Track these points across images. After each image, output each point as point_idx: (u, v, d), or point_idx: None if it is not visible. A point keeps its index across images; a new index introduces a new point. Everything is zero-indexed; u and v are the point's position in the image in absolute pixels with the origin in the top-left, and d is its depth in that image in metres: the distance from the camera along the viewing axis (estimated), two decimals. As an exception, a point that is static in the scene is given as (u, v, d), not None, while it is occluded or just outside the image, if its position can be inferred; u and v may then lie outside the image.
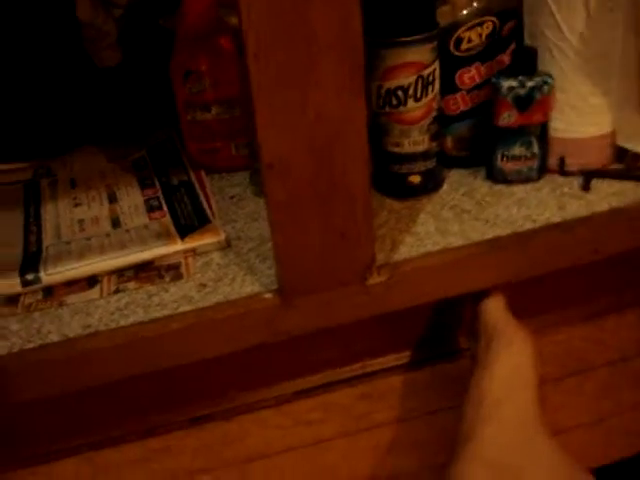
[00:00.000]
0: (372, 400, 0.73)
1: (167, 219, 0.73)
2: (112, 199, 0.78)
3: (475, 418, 0.61)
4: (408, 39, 0.65)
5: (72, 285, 0.66)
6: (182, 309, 0.62)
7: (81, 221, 0.75)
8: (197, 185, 0.78)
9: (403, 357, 0.75)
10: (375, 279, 0.62)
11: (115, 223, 0.74)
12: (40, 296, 0.66)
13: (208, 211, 0.73)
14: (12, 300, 0.66)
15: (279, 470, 0.71)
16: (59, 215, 0.77)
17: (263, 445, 0.71)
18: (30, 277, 0.66)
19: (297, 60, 0.51)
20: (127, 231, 0.72)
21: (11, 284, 0.65)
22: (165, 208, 0.75)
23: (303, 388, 0.72)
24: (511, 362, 0.63)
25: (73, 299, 0.65)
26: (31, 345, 0.60)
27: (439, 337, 0.76)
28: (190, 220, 0.72)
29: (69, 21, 0.88)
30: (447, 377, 0.75)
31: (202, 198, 0.76)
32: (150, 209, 0.75)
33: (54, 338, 0.61)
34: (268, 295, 0.62)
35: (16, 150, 0.88)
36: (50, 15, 0.86)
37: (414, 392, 0.75)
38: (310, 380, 0.72)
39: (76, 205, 0.78)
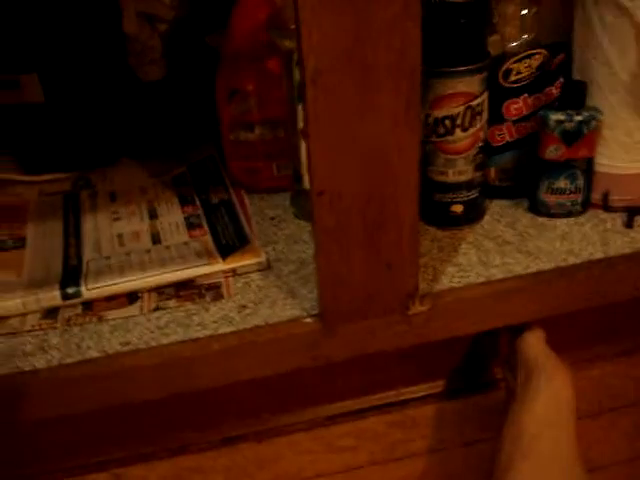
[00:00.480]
0: (405, 429, 0.72)
1: (207, 238, 0.73)
2: (152, 215, 0.78)
3: (513, 452, 0.60)
4: (459, 69, 0.65)
5: (112, 301, 0.66)
6: (222, 330, 0.62)
7: (120, 235, 0.75)
8: (237, 204, 0.78)
9: (437, 386, 0.75)
10: (417, 309, 0.62)
11: (155, 239, 0.74)
12: (80, 310, 0.66)
13: (248, 231, 0.73)
14: (52, 313, 0.66)
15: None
16: (99, 229, 0.77)
17: (295, 469, 0.71)
18: (71, 291, 0.66)
19: (354, 89, 0.51)
20: (167, 248, 0.72)
21: (52, 297, 0.66)
22: (205, 226, 0.75)
23: (336, 413, 0.71)
24: (551, 398, 0.62)
25: (113, 315, 0.65)
26: (70, 360, 0.61)
27: (474, 367, 0.75)
28: (231, 240, 0.72)
29: (115, 35, 0.88)
30: (482, 408, 0.75)
31: (242, 218, 0.76)
32: (190, 227, 0.75)
33: (93, 354, 0.61)
34: (309, 320, 0.62)
35: (56, 160, 0.89)
36: (97, 28, 0.86)
37: (448, 422, 0.74)
38: (343, 405, 0.72)
39: (116, 219, 0.78)
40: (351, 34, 0.48)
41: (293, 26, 0.70)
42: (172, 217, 0.78)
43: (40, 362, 0.60)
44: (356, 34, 0.49)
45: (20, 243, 0.75)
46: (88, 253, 0.72)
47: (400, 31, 0.49)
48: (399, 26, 0.48)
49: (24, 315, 0.65)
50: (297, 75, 0.69)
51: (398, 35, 0.49)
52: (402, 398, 0.73)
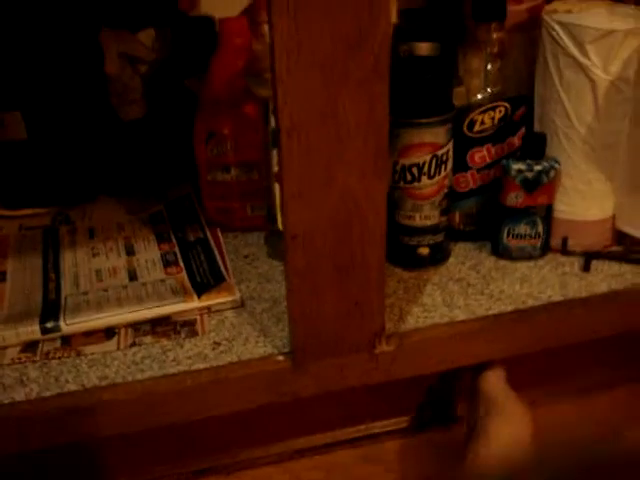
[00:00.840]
0: (372, 462, 0.75)
1: (183, 275, 0.75)
2: (129, 251, 0.81)
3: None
4: (425, 121, 0.69)
5: (90, 336, 0.69)
6: (196, 366, 0.64)
7: (99, 271, 0.78)
8: (213, 242, 0.81)
9: (403, 421, 0.77)
10: (383, 348, 0.65)
11: (132, 276, 0.76)
12: (58, 344, 0.68)
13: (223, 269, 0.76)
14: (31, 346, 0.68)
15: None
16: (77, 264, 0.79)
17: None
18: (50, 325, 0.68)
19: (327, 141, 0.54)
20: (144, 285, 0.74)
21: (31, 331, 0.68)
22: (181, 264, 0.78)
23: (305, 447, 0.74)
24: (510, 435, 0.65)
25: (91, 349, 0.67)
26: (49, 393, 0.62)
27: (438, 404, 0.78)
28: (206, 277, 0.74)
29: (97, 75, 0.91)
30: (444, 443, 0.77)
31: (217, 256, 0.78)
32: (166, 264, 0.78)
33: (72, 387, 0.63)
34: (280, 357, 0.65)
35: (36, 196, 0.91)
36: (79, 68, 0.89)
37: (412, 456, 0.77)
38: (313, 439, 0.74)
39: (94, 255, 0.81)
40: (324, 93, 0.52)
41: (269, 75, 0.74)
42: (149, 254, 0.80)
43: (19, 395, 0.62)
44: (328, 93, 0.52)
45: (1, 277, 0.77)
46: (67, 288, 0.74)
47: (369, 91, 0.52)
48: (368, 86, 0.52)
49: (4, 348, 0.67)
50: (272, 122, 0.73)
51: (367, 94, 0.52)
52: (370, 432, 0.76)
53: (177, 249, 0.81)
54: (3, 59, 0.83)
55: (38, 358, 0.66)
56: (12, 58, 0.83)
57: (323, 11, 0.50)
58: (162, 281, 0.75)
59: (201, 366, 0.64)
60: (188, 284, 0.73)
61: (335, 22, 0.50)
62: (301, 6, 0.49)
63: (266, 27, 0.80)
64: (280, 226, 0.76)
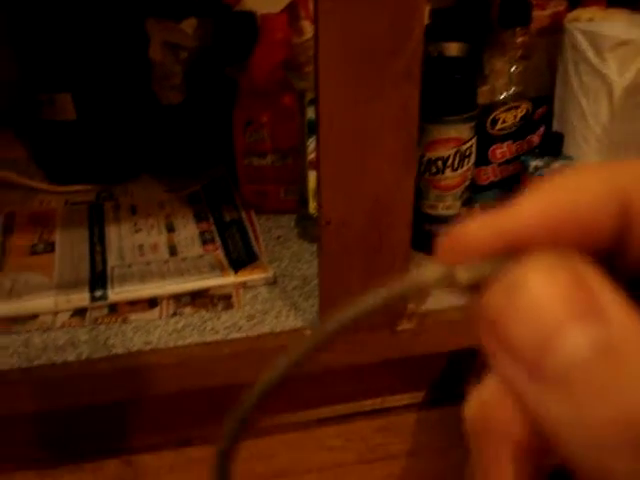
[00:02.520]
0: (388, 433, 0.81)
1: (220, 252, 0.81)
2: (170, 228, 0.87)
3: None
4: (451, 118, 0.74)
5: (134, 305, 0.75)
6: (232, 336, 0.70)
7: (141, 246, 0.84)
8: (247, 223, 0.87)
9: (418, 396, 0.83)
10: (405, 325, 0.71)
11: (172, 251, 0.82)
12: (106, 311, 0.74)
13: (257, 248, 0.82)
14: (80, 313, 0.74)
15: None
16: (121, 238, 0.85)
17: (288, 464, 0.79)
18: (98, 294, 0.74)
19: (362, 133, 0.60)
20: (183, 260, 0.80)
21: (81, 298, 0.74)
22: (218, 242, 0.83)
23: (328, 416, 0.79)
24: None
25: (135, 317, 0.73)
26: (98, 355, 0.69)
27: (452, 380, 0.84)
28: (241, 255, 0.80)
29: (141, 61, 0.97)
30: (457, 418, 0.83)
31: (252, 236, 0.84)
32: (204, 241, 0.84)
33: (118, 351, 0.69)
34: (309, 331, 0.70)
35: (82, 173, 0.97)
36: (125, 54, 0.95)
37: (426, 429, 0.82)
38: (335, 409, 0.80)
39: (137, 231, 0.87)
40: (361, 90, 0.57)
41: (307, 69, 0.79)
42: (188, 232, 0.86)
43: (71, 356, 0.68)
44: (365, 90, 0.57)
45: (50, 248, 0.83)
46: (112, 260, 0.81)
47: (402, 91, 0.58)
48: (401, 87, 0.57)
49: (55, 313, 0.74)
50: (309, 112, 0.78)
51: (400, 94, 0.58)
52: (386, 405, 0.81)
53: (214, 228, 0.86)
54: (57, 44, 0.89)
55: (87, 323, 0.73)
56: (65, 44, 0.89)
57: (364, 18, 0.55)
58: (200, 257, 0.80)
59: (237, 336, 0.70)
60: (225, 261, 0.79)
61: (374, 30, 0.55)
62: (344, 14, 0.54)
63: (305, 23, 0.86)
64: (311, 210, 0.82)
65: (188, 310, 0.74)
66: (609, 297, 0.16)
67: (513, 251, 0.17)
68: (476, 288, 0.18)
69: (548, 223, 0.18)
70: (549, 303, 0.16)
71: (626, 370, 0.15)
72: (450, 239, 0.19)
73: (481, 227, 0.19)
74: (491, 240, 0.18)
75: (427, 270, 0.19)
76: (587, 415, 0.16)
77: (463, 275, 0.18)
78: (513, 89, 0.79)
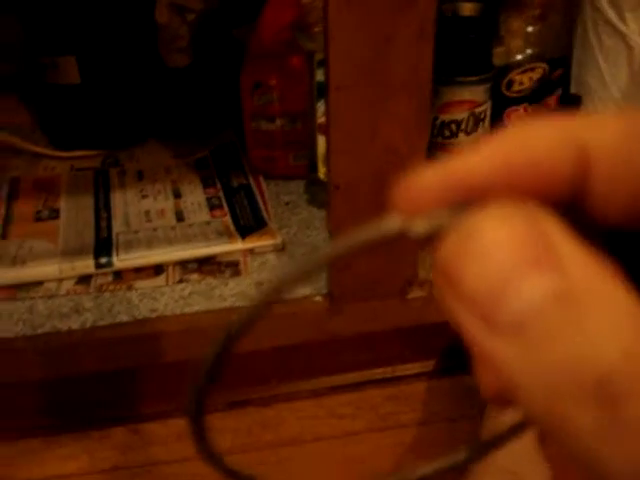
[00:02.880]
0: (398, 402, 0.80)
1: (228, 218, 0.80)
2: (176, 194, 0.85)
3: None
4: (465, 79, 0.72)
5: (140, 271, 0.73)
6: (239, 303, 0.69)
7: (147, 212, 0.82)
8: (255, 189, 0.85)
9: (429, 365, 0.82)
10: (416, 293, 0.69)
11: (179, 217, 0.81)
12: (111, 278, 0.73)
13: (265, 214, 0.80)
14: (85, 280, 0.73)
15: (310, 457, 0.78)
16: (127, 204, 0.84)
17: (297, 432, 0.78)
18: (103, 260, 0.73)
19: (372, 96, 0.58)
20: (190, 226, 0.79)
21: (86, 265, 0.73)
22: (226, 208, 0.82)
23: (338, 384, 0.78)
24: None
25: (141, 284, 0.72)
26: (103, 322, 0.68)
27: (462, 349, 0.82)
28: (249, 221, 0.79)
29: (147, 23, 0.95)
30: (467, 387, 0.82)
31: (260, 201, 0.83)
32: (212, 207, 0.82)
33: (124, 318, 0.68)
34: (318, 298, 0.69)
35: (87, 138, 0.95)
36: (131, 16, 0.93)
37: (436, 398, 0.81)
38: (345, 378, 0.78)
39: (143, 197, 0.85)
40: (372, 50, 0.55)
41: (317, 29, 0.77)
42: (195, 197, 0.84)
43: (75, 323, 0.67)
44: (377, 51, 0.55)
45: (55, 214, 0.82)
46: (118, 226, 0.79)
47: (415, 50, 0.55)
48: (415, 46, 0.55)
49: (60, 280, 0.72)
50: (318, 74, 0.76)
51: (413, 54, 0.56)
52: (397, 374, 0.80)
53: (222, 194, 0.85)
54: (60, 6, 0.87)
55: (92, 290, 0.71)
56: (69, 5, 0.87)
57: (375, -27, 0.53)
58: (208, 223, 0.79)
59: (244, 303, 0.68)
60: (232, 227, 0.78)
61: (387, -16, 0.53)
62: (356, -32, 0.52)
63: (314, -18, 0.83)
64: (321, 175, 0.80)
65: (195, 277, 0.72)
66: (568, 246, 0.16)
67: (470, 201, 0.17)
68: (434, 239, 0.17)
69: (504, 171, 0.17)
70: (503, 250, 0.16)
71: (585, 317, 0.15)
72: (405, 189, 0.19)
73: (436, 176, 0.18)
74: (446, 189, 0.18)
75: (384, 222, 0.18)
76: (544, 361, 0.15)
77: (419, 226, 0.17)
78: (529, 50, 0.77)
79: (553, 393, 0.15)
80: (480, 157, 0.18)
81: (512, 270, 0.16)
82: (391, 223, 0.18)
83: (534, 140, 0.18)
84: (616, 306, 0.15)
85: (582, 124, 0.18)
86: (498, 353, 0.16)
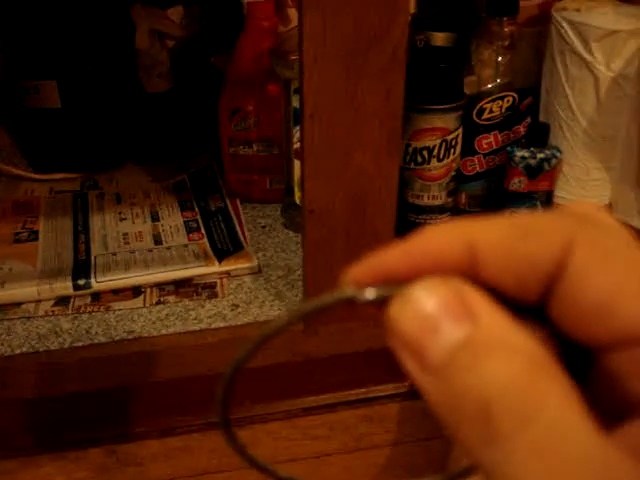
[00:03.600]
0: (372, 423, 0.81)
1: (205, 241, 0.81)
2: (154, 217, 0.86)
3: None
4: (437, 107, 0.74)
5: (118, 293, 0.74)
6: (216, 325, 0.70)
7: (125, 235, 0.83)
8: (232, 212, 0.87)
9: (403, 386, 0.83)
10: (389, 316, 0.71)
11: (157, 240, 0.82)
12: (89, 300, 0.74)
13: (242, 238, 0.81)
14: (63, 301, 0.74)
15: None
16: (106, 227, 0.85)
17: (271, 453, 0.78)
18: (81, 282, 0.74)
19: (345, 123, 0.59)
20: (168, 249, 0.80)
21: (64, 287, 0.73)
22: (203, 231, 0.83)
23: (312, 405, 0.79)
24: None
25: (119, 306, 0.73)
26: (80, 343, 0.68)
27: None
28: (225, 244, 0.80)
29: (127, 49, 0.96)
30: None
31: (237, 225, 0.84)
32: (189, 230, 0.83)
33: (101, 339, 0.69)
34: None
35: (66, 161, 0.96)
36: (111, 42, 0.94)
37: (410, 419, 0.82)
38: (319, 399, 0.79)
39: (121, 219, 0.86)
40: (345, 81, 0.57)
41: (293, 57, 0.79)
42: (173, 221, 0.86)
43: (53, 344, 0.68)
44: (349, 81, 0.57)
45: (34, 236, 0.83)
46: (96, 249, 0.80)
47: (386, 79, 0.57)
48: (386, 75, 0.57)
49: (38, 302, 0.73)
50: (294, 101, 0.78)
51: (384, 82, 0.58)
52: (371, 395, 0.81)
53: (199, 217, 0.86)
54: (42, 32, 0.88)
55: (70, 312, 0.72)
56: (50, 31, 0.89)
57: (348, 6, 0.55)
58: (185, 246, 0.80)
59: (220, 325, 0.70)
60: (209, 250, 0.79)
61: (358, 17, 0.55)
62: (329, 1, 0.54)
63: (291, 11, 0.85)
64: (297, 199, 0.82)
65: (172, 299, 0.73)
66: (480, 304, 0.21)
67: (406, 280, 0.23)
68: (381, 304, 0.23)
69: (414, 265, 0.23)
70: (431, 308, 0.22)
71: (482, 358, 0.20)
72: (357, 270, 0.25)
73: (372, 265, 0.24)
74: (379, 275, 0.24)
75: (341, 290, 0.24)
76: (452, 392, 0.21)
77: (369, 294, 0.24)
78: (499, 80, 0.79)
79: (455, 414, 0.21)
80: (395, 256, 0.23)
81: (437, 323, 0.21)
82: (348, 292, 0.24)
83: (433, 242, 0.23)
84: (509, 345, 0.20)
85: (474, 226, 0.23)
86: (424, 385, 0.21)
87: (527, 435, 0.19)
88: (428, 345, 0.21)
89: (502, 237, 0.23)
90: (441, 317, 0.21)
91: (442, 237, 0.23)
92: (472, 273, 0.23)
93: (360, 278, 0.24)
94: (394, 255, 0.24)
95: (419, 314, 0.22)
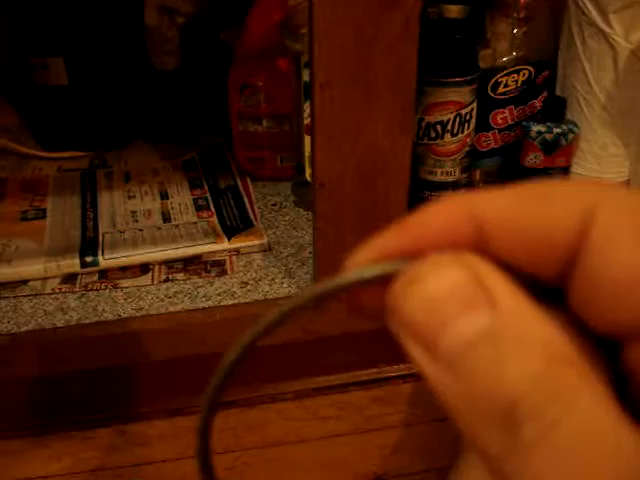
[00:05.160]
0: (384, 403, 0.80)
1: (214, 219, 0.80)
2: (163, 195, 0.85)
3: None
4: (451, 80, 0.72)
5: (126, 270, 0.73)
6: (225, 302, 0.69)
7: (134, 212, 0.82)
8: (242, 190, 0.85)
9: (413, 367, 0.82)
10: (401, 293, 0.69)
11: (166, 217, 0.81)
12: (96, 278, 0.73)
13: (252, 215, 0.80)
14: (70, 278, 0.73)
15: (295, 458, 0.78)
16: (114, 205, 0.84)
17: (281, 434, 0.78)
18: (89, 259, 0.73)
19: (357, 95, 0.58)
20: (177, 226, 0.79)
21: (71, 264, 0.72)
22: (212, 208, 0.82)
23: (323, 386, 0.78)
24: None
25: (126, 283, 0.72)
26: (87, 321, 0.67)
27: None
28: (235, 222, 0.79)
29: (136, 25, 0.95)
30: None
31: (247, 203, 0.83)
32: (198, 208, 0.82)
33: (108, 316, 0.68)
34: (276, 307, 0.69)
35: (75, 140, 0.95)
36: (120, 19, 0.93)
37: (422, 399, 0.81)
38: (330, 379, 0.78)
39: (130, 197, 0.85)
40: (356, 52, 0.55)
41: (303, 30, 0.77)
42: (182, 198, 0.84)
43: (60, 321, 0.67)
44: (360, 52, 0.55)
45: (41, 214, 0.82)
46: (104, 226, 0.79)
47: (399, 50, 0.56)
48: (398, 47, 0.55)
49: (45, 279, 0.72)
50: (305, 75, 0.76)
51: (397, 54, 0.56)
52: (383, 376, 0.80)
53: (209, 195, 0.85)
54: (49, 7, 0.87)
55: (77, 289, 0.71)
56: (58, 7, 0.87)
57: (359, -28, 0.53)
58: (194, 224, 0.79)
59: (229, 302, 0.69)
60: (219, 227, 0.78)
61: (370, -17, 0.53)
62: (339, -34, 0.52)
63: (302, -16, 0.83)
64: (308, 177, 0.80)
65: (180, 276, 0.72)
66: (500, 288, 0.19)
67: (417, 254, 0.20)
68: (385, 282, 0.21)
69: (422, 242, 0.21)
70: (443, 291, 0.19)
71: (503, 352, 0.18)
72: (361, 253, 0.23)
73: (389, 237, 0.22)
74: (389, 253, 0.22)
75: (349, 272, 0.22)
76: (469, 389, 0.18)
77: (373, 270, 0.21)
78: (515, 53, 0.77)
79: (474, 416, 0.18)
80: (396, 236, 0.22)
81: (450, 309, 0.19)
82: (354, 272, 0.22)
83: (436, 218, 0.21)
84: (534, 339, 0.18)
85: (480, 197, 0.21)
86: (435, 378, 0.19)
87: (556, 440, 0.17)
88: (440, 335, 0.19)
89: (512, 205, 0.20)
90: (454, 302, 0.19)
91: (445, 212, 0.21)
92: (480, 250, 0.20)
93: (363, 261, 0.22)
94: (395, 235, 0.22)
95: (428, 297, 0.19)
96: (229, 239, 0.75)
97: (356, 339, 0.74)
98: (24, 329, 0.67)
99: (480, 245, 0.20)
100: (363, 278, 0.22)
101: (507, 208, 0.20)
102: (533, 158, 0.77)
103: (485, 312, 0.18)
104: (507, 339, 0.18)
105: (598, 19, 0.72)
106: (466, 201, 0.21)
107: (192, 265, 0.74)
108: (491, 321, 0.18)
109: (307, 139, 0.78)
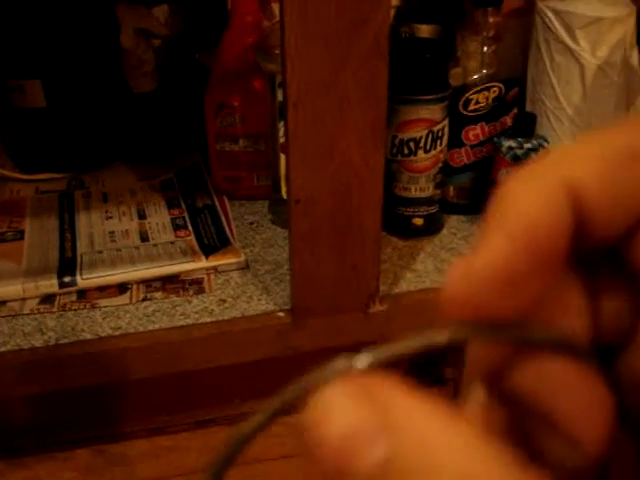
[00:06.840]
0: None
1: (192, 238, 0.80)
2: (141, 215, 0.86)
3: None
4: (423, 98, 0.74)
5: (104, 290, 0.74)
6: (203, 320, 0.69)
7: (112, 233, 0.82)
8: (220, 209, 0.86)
9: (394, 381, 0.82)
10: (377, 308, 0.70)
11: (143, 237, 0.81)
12: (74, 298, 0.73)
13: (229, 234, 0.81)
14: (49, 299, 0.73)
15: (276, 475, 0.78)
16: (92, 225, 0.84)
17: (262, 451, 0.78)
18: (67, 280, 0.73)
19: (329, 111, 0.59)
20: (155, 245, 0.79)
21: (50, 284, 0.73)
22: (190, 228, 0.82)
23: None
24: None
25: (104, 303, 0.72)
26: (66, 340, 0.68)
27: (427, 366, 0.83)
28: (213, 241, 0.79)
29: (112, 48, 0.96)
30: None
31: (224, 221, 0.83)
32: (176, 227, 0.83)
33: (87, 336, 0.68)
34: (281, 314, 0.70)
35: (52, 161, 0.96)
36: (96, 41, 0.94)
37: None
38: (309, 395, 0.79)
39: (108, 218, 0.85)
40: (328, 68, 0.57)
41: (277, 51, 0.78)
42: (159, 218, 0.85)
43: (39, 342, 0.67)
44: (332, 69, 0.57)
45: (19, 235, 0.82)
46: (82, 247, 0.79)
47: (370, 66, 0.57)
48: (369, 62, 0.57)
49: (23, 300, 0.72)
50: (279, 95, 0.77)
51: (368, 70, 0.57)
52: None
53: (186, 214, 0.85)
54: (26, 30, 0.88)
55: (55, 309, 0.71)
56: (35, 30, 0.88)
57: (330, -8, 0.54)
58: (172, 243, 0.79)
59: (207, 320, 0.69)
60: (197, 246, 0.78)
61: (339, 2, 0.55)
62: (310, -13, 0.54)
63: (275, 6, 0.85)
64: (284, 195, 0.81)
65: (159, 295, 0.73)
66: (404, 414, 0.17)
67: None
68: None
69: (522, 255, 0.18)
70: (346, 425, 0.17)
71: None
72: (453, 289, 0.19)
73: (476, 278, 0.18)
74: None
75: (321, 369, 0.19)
76: None
77: (363, 361, 0.18)
78: (485, 70, 0.79)
79: None
80: (510, 239, 0.18)
81: (352, 443, 0.17)
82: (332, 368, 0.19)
83: (537, 200, 0.18)
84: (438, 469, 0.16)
85: (569, 166, 0.18)
86: None
87: None
88: (346, 467, 0.17)
89: (609, 170, 0.18)
90: (357, 436, 0.17)
91: (539, 192, 0.18)
92: (582, 228, 0.18)
93: (459, 300, 0.19)
94: (503, 240, 0.18)
95: (335, 430, 0.17)
96: (207, 257, 0.76)
97: (333, 353, 0.75)
98: (2, 350, 0.67)
99: (580, 223, 0.18)
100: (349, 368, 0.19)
101: (604, 175, 0.18)
102: (505, 173, 0.79)
103: (382, 442, 0.17)
104: (413, 469, 0.16)
105: (565, 35, 0.74)
106: (556, 171, 0.18)
107: (170, 284, 0.74)
108: (389, 451, 0.17)
109: (283, 158, 0.79)
